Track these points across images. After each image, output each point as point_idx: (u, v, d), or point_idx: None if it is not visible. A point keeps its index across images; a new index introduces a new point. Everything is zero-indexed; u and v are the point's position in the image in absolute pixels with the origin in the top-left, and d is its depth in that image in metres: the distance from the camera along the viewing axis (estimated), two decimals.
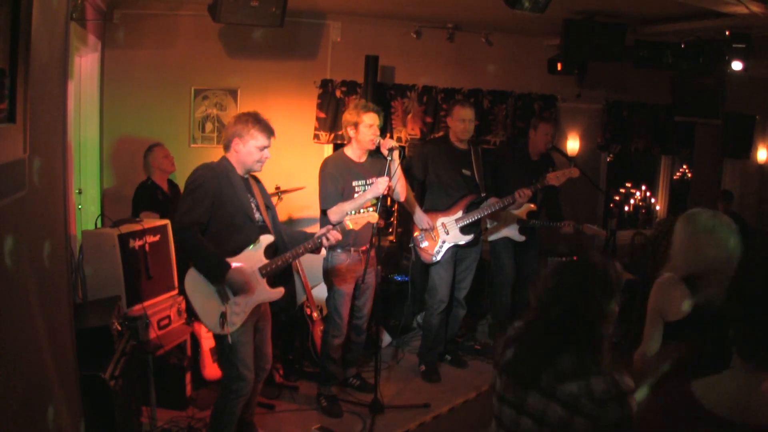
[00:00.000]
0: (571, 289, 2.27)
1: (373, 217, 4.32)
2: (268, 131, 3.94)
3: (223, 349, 3.93)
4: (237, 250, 3.89)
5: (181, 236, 3.83)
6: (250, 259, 3.92)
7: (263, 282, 3.97)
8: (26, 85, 1.77)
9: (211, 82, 6.62)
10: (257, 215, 4.01)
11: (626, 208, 9.09)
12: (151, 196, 5.56)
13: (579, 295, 2.24)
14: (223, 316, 3.82)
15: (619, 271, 2.32)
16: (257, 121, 3.91)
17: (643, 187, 9.14)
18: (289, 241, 4.19)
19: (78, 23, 5.06)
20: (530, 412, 2.24)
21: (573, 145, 7.99)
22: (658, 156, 8.73)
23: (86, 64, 5.87)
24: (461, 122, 5.54)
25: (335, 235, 4.13)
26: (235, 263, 3.85)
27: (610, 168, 8.34)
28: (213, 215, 3.81)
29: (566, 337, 2.23)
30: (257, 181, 4.21)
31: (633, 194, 9.26)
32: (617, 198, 8.95)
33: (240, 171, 3.98)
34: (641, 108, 8.12)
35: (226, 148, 3.96)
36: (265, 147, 3.94)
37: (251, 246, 3.93)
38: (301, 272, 6.08)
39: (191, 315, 3.95)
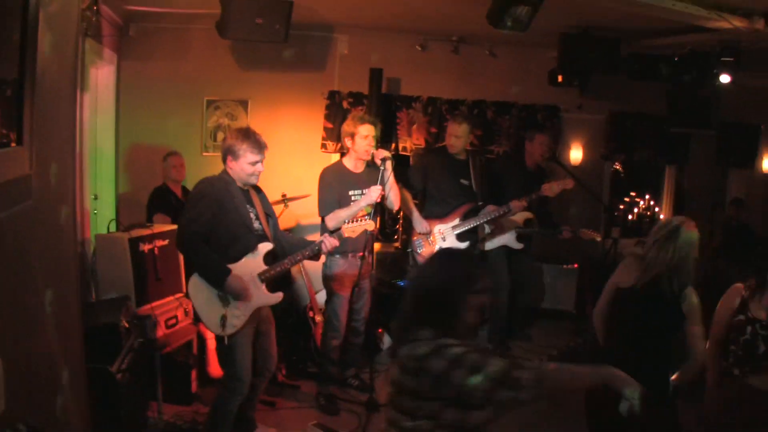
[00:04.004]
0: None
1: (369, 225, 4.50)
2: (258, 147, 4.10)
3: (223, 349, 4.16)
4: (237, 258, 4.10)
5: (185, 245, 4.07)
6: (248, 266, 4.13)
7: (262, 287, 4.18)
8: (32, 109, 2.04)
9: (223, 93, 6.93)
10: (256, 225, 4.20)
11: (630, 217, 9.21)
12: (164, 200, 5.86)
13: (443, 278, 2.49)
14: (223, 318, 4.03)
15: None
16: (246, 138, 4.08)
17: (647, 196, 9.27)
18: (289, 247, 4.41)
19: (94, 39, 5.36)
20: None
21: (576, 155, 8.13)
22: (662, 166, 8.87)
23: (102, 75, 6.17)
24: (450, 137, 5.83)
25: (332, 242, 4.35)
26: (235, 270, 4.05)
27: (618, 177, 8.43)
28: (214, 226, 4.02)
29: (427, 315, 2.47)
30: (258, 190, 4.40)
31: (637, 203, 9.38)
32: (621, 207, 9.08)
33: (239, 183, 4.18)
34: (643, 118, 8.23)
35: (223, 162, 4.17)
36: (257, 162, 4.11)
37: (249, 254, 4.15)
38: (305, 277, 6.32)
39: (197, 316, 4.22)
